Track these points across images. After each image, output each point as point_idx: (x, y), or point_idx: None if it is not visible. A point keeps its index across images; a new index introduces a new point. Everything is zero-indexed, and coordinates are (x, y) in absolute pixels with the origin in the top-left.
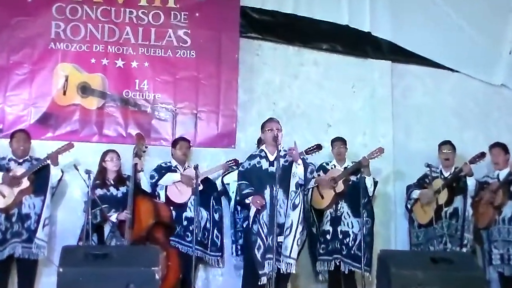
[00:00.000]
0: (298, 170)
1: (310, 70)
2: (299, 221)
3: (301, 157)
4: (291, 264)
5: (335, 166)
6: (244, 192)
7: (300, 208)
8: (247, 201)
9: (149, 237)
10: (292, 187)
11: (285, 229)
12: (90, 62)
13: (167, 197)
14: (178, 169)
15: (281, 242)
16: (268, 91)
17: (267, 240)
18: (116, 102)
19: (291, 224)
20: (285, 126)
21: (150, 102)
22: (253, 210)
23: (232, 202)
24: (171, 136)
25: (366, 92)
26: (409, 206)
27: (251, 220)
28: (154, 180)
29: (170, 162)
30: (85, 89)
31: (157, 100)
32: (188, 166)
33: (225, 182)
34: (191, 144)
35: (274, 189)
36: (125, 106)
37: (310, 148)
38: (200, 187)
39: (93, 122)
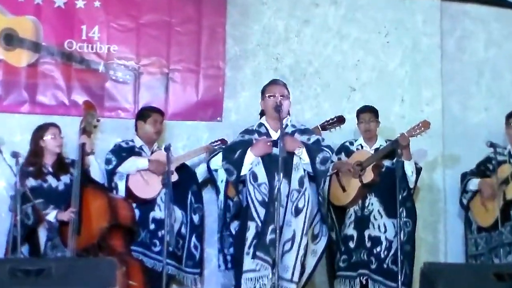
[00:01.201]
0: (302, 161)
1: (327, 12)
2: (304, 232)
3: (306, 140)
4: None
5: (362, 147)
6: (235, 159)
7: (306, 213)
8: (244, 170)
9: (102, 245)
10: (294, 184)
11: (284, 242)
12: (17, 0)
13: (128, 191)
14: (143, 151)
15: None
16: (269, 42)
17: (263, 234)
18: (54, 57)
19: (293, 236)
20: (293, 90)
21: (103, 57)
22: (251, 193)
23: (221, 196)
24: (132, 104)
25: (405, 43)
26: (465, 202)
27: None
28: (111, 167)
29: (133, 141)
30: (10, 39)
31: (113, 54)
32: (157, 147)
33: (212, 167)
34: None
35: (276, 178)
36: (68, 63)
37: (327, 121)
38: (174, 178)
39: (22, 85)
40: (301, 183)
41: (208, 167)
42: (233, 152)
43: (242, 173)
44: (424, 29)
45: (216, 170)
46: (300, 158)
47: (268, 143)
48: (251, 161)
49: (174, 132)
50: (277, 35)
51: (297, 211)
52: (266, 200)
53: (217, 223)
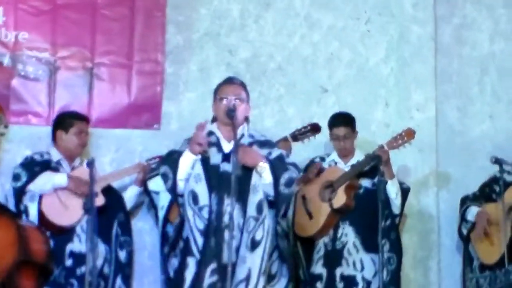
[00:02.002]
0: (263, 180)
1: None
2: (261, 270)
3: (267, 155)
4: None
5: (335, 164)
6: (171, 159)
7: (264, 247)
8: (181, 172)
9: (9, 286)
10: (251, 210)
11: (236, 285)
12: None
13: (41, 216)
14: (62, 166)
15: None
16: (220, 30)
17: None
18: None
19: (248, 276)
20: (250, 92)
21: (9, 47)
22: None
23: (160, 222)
24: (46, 108)
25: (390, 32)
26: (464, 233)
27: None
28: (20, 184)
29: (48, 154)
30: None
31: (22, 43)
32: (80, 163)
33: (151, 188)
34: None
35: (226, 202)
36: None
37: (299, 130)
38: (100, 201)
39: None
40: (259, 209)
41: (146, 188)
42: (171, 156)
43: (178, 177)
44: (414, 15)
45: (157, 193)
46: (261, 176)
47: (203, 131)
48: (189, 161)
49: (100, 143)
50: (231, 22)
51: (254, 244)
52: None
53: (160, 262)
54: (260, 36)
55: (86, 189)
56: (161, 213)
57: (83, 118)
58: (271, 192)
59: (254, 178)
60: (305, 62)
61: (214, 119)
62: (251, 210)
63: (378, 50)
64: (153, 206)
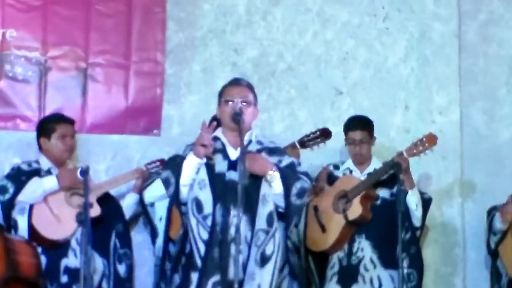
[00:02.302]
0: (273, 190)
1: None
2: (272, 286)
3: (277, 163)
4: None
5: (350, 172)
6: (175, 164)
7: (275, 263)
8: (185, 177)
9: None
10: (260, 223)
11: None
12: None
13: (32, 229)
14: (52, 175)
15: None
16: (225, 27)
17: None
18: None
19: None
20: (258, 94)
21: None
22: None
23: (160, 239)
24: (36, 112)
25: (410, 28)
26: (492, 246)
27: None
28: (7, 196)
29: (37, 163)
30: None
31: (10, 42)
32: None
33: (147, 200)
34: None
35: (232, 214)
36: None
37: (307, 136)
38: (95, 212)
39: None
40: (270, 221)
41: (141, 199)
42: (174, 160)
43: (182, 182)
44: (436, 11)
45: (152, 205)
46: (271, 186)
47: (209, 132)
48: (193, 165)
49: (94, 150)
50: (237, 18)
51: (264, 260)
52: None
53: (153, 277)
54: (268, 34)
55: (79, 182)
56: (161, 226)
57: (66, 120)
58: (281, 203)
59: (264, 188)
60: (318, 61)
61: (212, 121)
62: (261, 222)
63: (397, 48)
64: (148, 222)
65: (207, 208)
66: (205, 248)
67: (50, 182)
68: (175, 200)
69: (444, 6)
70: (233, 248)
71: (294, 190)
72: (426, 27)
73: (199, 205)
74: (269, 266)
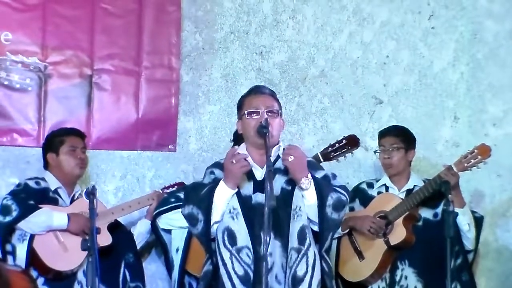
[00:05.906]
0: (305, 201)
1: None
2: None
3: (315, 170)
4: None
5: (387, 189)
6: (200, 196)
7: (309, 286)
8: (217, 213)
9: None
10: (292, 241)
11: None
12: None
13: (33, 257)
14: (60, 197)
15: None
16: (249, 28)
17: None
18: None
19: None
20: (286, 103)
21: None
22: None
23: (176, 273)
24: (35, 124)
25: (460, 28)
26: None
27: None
28: (9, 218)
29: (44, 180)
30: None
31: (5, 45)
32: (80, 193)
33: (161, 226)
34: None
35: (262, 238)
36: None
37: (332, 145)
38: (105, 241)
39: None
40: (301, 238)
41: (154, 226)
42: (197, 191)
43: (213, 219)
44: (489, 7)
45: (168, 231)
46: (303, 196)
47: (241, 157)
48: (226, 198)
49: (102, 168)
50: (261, 18)
51: (295, 282)
52: (251, 275)
53: None
54: (298, 35)
55: (87, 229)
56: (177, 259)
57: (75, 133)
58: (315, 215)
59: (296, 200)
60: (354, 66)
61: (238, 138)
62: (293, 240)
63: (444, 51)
64: (161, 247)
65: (242, 239)
66: (247, 286)
67: (60, 220)
68: (204, 238)
69: (498, 2)
70: (271, 280)
71: (330, 200)
72: (478, 26)
73: (231, 236)
74: None
